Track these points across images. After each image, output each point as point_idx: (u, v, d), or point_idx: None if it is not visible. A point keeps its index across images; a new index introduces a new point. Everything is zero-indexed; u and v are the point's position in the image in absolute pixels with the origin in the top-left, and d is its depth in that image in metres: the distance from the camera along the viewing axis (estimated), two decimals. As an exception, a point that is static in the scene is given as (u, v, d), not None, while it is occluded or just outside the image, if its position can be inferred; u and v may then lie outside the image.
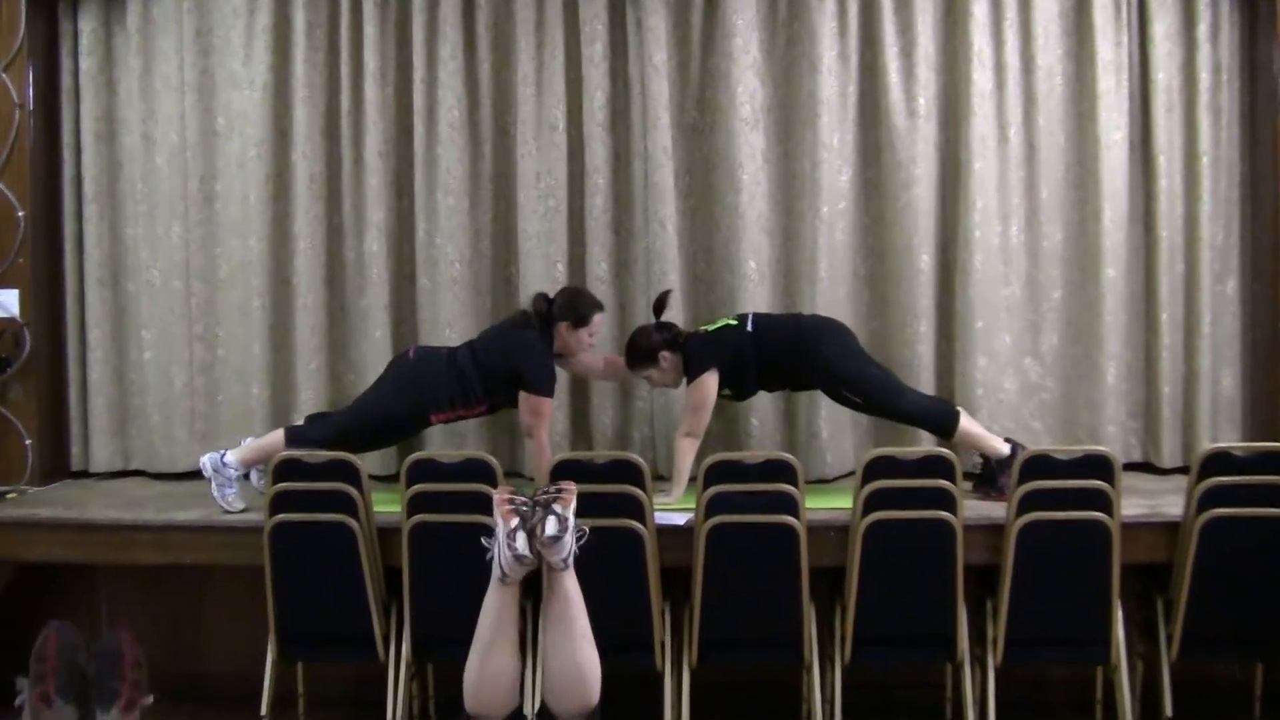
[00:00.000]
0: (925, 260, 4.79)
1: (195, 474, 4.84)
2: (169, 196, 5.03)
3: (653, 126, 4.79)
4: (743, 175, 4.78)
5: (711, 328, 4.42)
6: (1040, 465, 3.83)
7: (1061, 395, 4.88)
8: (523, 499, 3.30)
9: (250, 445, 4.38)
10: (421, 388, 4.34)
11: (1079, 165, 4.83)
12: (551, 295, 4.44)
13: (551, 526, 3.21)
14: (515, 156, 4.94)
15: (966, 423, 4.31)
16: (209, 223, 5.05)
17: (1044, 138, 4.80)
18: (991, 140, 4.78)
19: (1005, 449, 4.26)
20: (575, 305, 4.42)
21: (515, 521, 3.23)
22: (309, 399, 4.99)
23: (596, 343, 4.54)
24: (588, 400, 4.98)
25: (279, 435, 4.35)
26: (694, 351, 4.33)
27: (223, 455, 4.30)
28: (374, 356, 4.94)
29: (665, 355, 4.36)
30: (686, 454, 4.30)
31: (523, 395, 4.28)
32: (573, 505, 3.28)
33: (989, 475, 4.30)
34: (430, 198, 4.96)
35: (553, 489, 3.34)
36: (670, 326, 4.44)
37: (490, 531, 3.29)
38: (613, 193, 4.93)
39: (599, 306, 4.47)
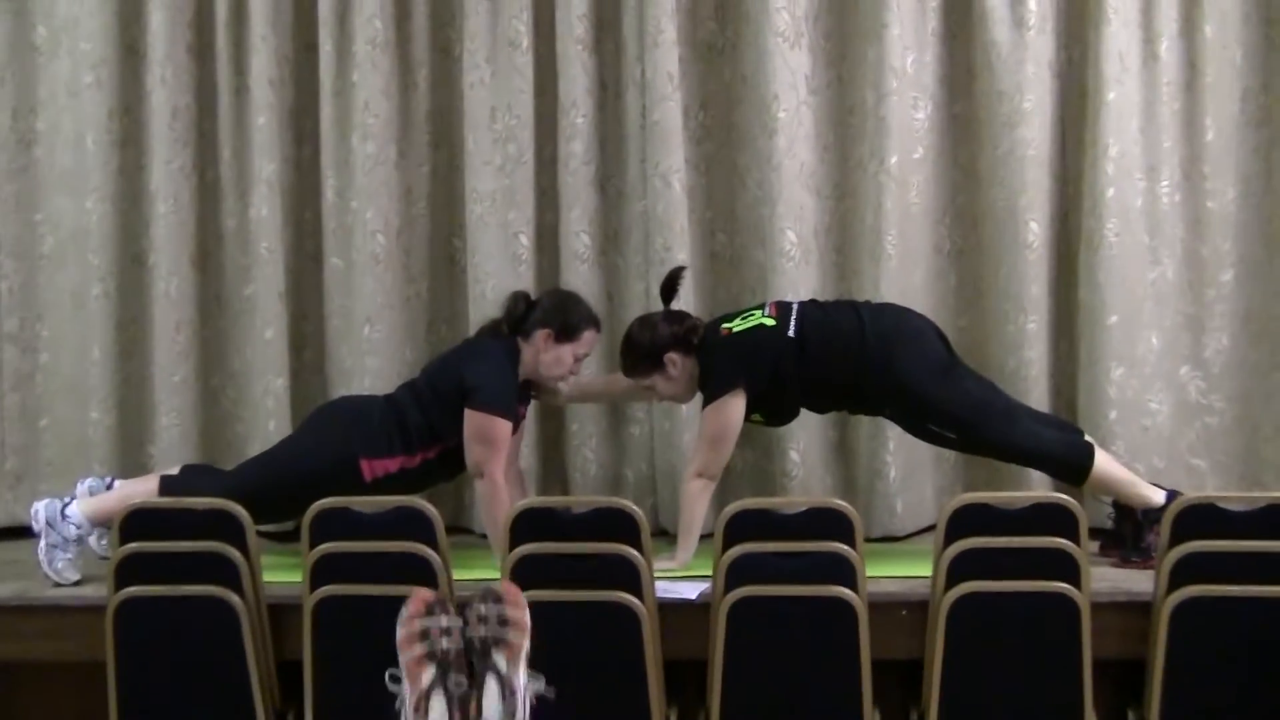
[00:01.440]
0: (1036, 230, 4.79)
1: (2, 533, 4.85)
2: (-35, 137, 5.06)
3: (653, 44, 4.81)
4: (779, 111, 4.79)
5: (740, 326, 4.40)
6: (1204, 518, 3.77)
7: (1235, 420, 4.89)
8: (443, 627, 3.09)
9: (106, 496, 4.36)
10: (348, 428, 4.41)
11: (1264, 92, 4.84)
12: (535, 297, 4.53)
13: (492, 701, 2.99)
14: (461, 86, 4.96)
15: (1104, 463, 4.29)
16: (26, 175, 5.07)
17: (1212, 53, 4.80)
18: (1134, 58, 4.77)
19: (1159, 498, 4.23)
20: (565, 310, 4.47)
21: (429, 676, 3.04)
22: (171, 424, 4.99)
23: (581, 370, 4.60)
24: (563, 426, 4.99)
25: (150, 485, 4.34)
26: (715, 364, 4.33)
27: (64, 505, 4.28)
28: (263, 365, 4.96)
29: (674, 358, 4.37)
30: (699, 501, 4.30)
31: (467, 415, 4.29)
32: (525, 651, 3.08)
33: (1129, 532, 4.28)
34: (343, 144, 4.98)
35: (488, 606, 3.12)
36: (683, 317, 4.45)
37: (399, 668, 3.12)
38: (597, 136, 4.96)
39: (595, 322, 4.53)
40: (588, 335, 4.47)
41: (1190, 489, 4.41)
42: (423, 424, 4.38)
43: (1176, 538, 3.76)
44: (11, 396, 5.08)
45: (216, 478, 4.45)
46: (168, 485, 4.33)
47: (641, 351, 4.40)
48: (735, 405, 4.28)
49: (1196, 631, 3.71)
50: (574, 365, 4.48)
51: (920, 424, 4.36)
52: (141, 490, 4.31)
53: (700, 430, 4.35)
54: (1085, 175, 4.81)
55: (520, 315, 4.45)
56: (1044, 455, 4.35)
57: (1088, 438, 4.40)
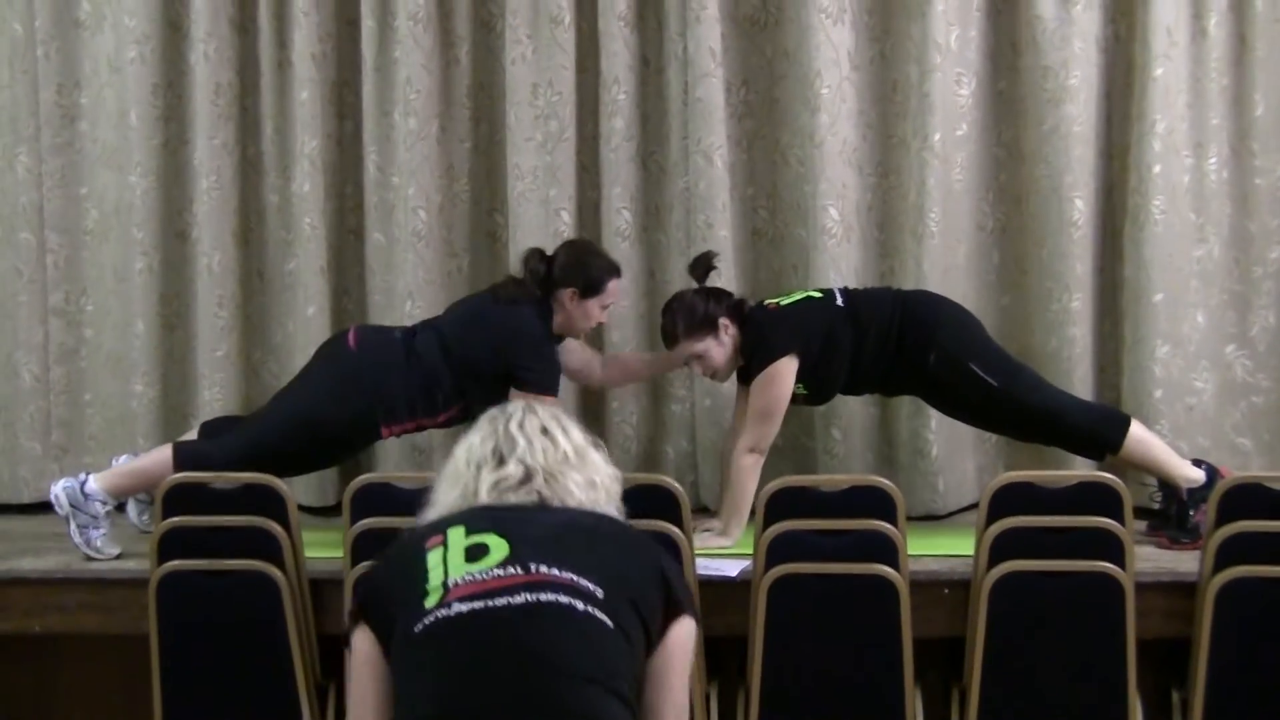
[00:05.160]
0: (1080, 208, 4.75)
1: (48, 505, 4.85)
2: (11, 112, 5.07)
3: (695, 20, 4.79)
4: (822, 87, 4.76)
5: (787, 301, 4.42)
6: (1250, 499, 3.77)
7: (1283, 399, 4.85)
8: None
9: (122, 468, 4.37)
10: (368, 387, 4.32)
11: (1317, 65, 4.78)
12: (550, 252, 4.45)
13: None
14: (503, 62, 4.95)
15: (1140, 434, 4.28)
16: (71, 150, 5.08)
17: (1263, 27, 4.75)
18: (1182, 34, 4.72)
19: (1198, 474, 4.22)
20: (584, 266, 4.42)
21: None
22: (214, 399, 5.00)
23: (609, 319, 4.58)
24: (604, 403, 4.99)
25: (163, 454, 4.31)
26: (763, 331, 4.32)
27: (83, 482, 4.25)
28: (305, 340, 4.95)
29: (727, 323, 4.35)
30: (750, 477, 4.28)
31: (515, 395, 4.25)
32: None
33: (1176, 512, 4.26)
34: (384, 120, 4.97)
35: None
36: (724, 294, 4.45)
37: None
38: (639, 112, 4.95)
39: (616, 270, 4.49)
40: (612, 286, 4.43)
41: (1235, 469, 4.37)
42: (451, 391, 4.34)
43: (1223, 518, 3.74)
44: (56, 370, 5.10)
45: (228, 433, 4.38)
46: (181, 451, 4.28)
47: (699, 315, 4.34)
48: (786, 374, 4.26)
49: (1242, 612, 3.70)
50: (601, 315, 4.46)
51: (963, 364, 4.30)
52: (153, 460, 4.29)
53: (753, 402, 4.33)
54: (1131, 152, 4.77)
55: (544, 275, 4.38)
56: (1079, 415, 4.34)
57: (1127, 414, 4.42)
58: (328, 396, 4.33)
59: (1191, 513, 4.17)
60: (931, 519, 4.75)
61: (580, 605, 2.23)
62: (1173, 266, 4.73)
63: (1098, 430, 4.32)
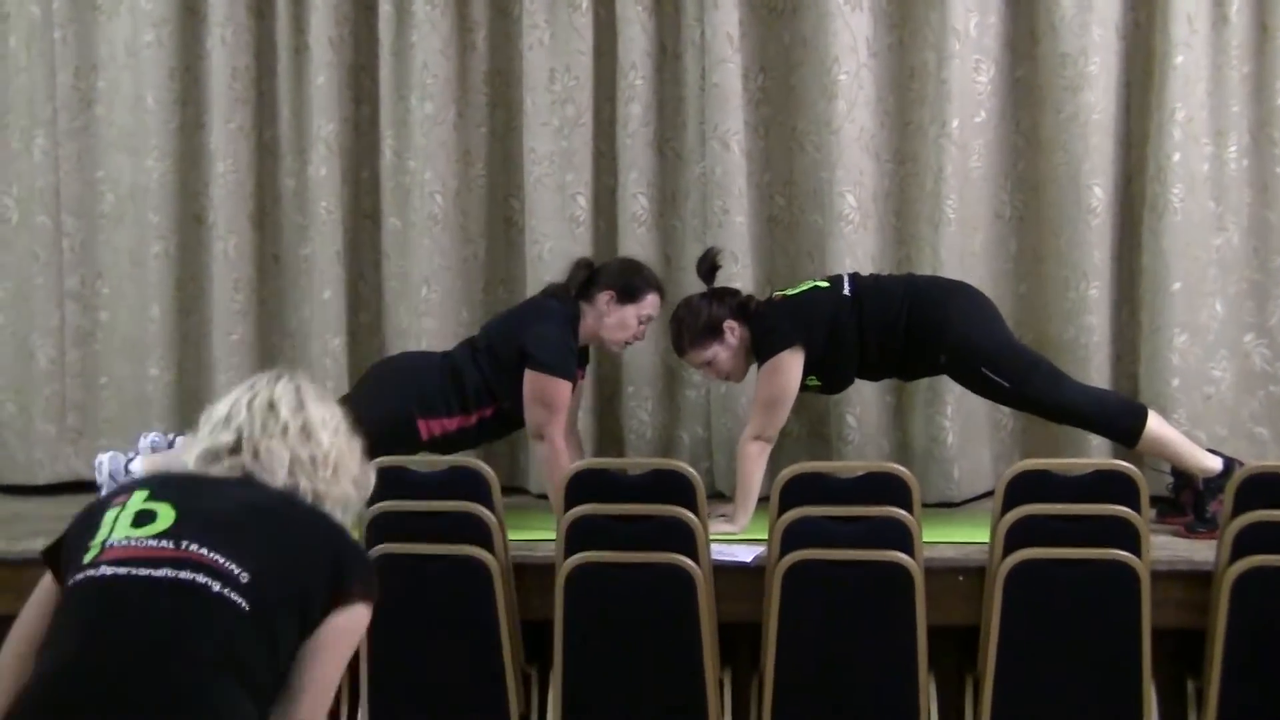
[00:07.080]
0: (1099, 195, 4.75)
1: (63, 487, 4.93)
2: (28, 95, 5.09)
3: (713, 6, 4.80)
4: (839, 74, 4.76)
5: (794, 291, 4.42)
6: (1267, 488, 3.75)
7: (1303, 389, 4.83)
8: None
9: (169, 454, 4.40)
10: (404, 386, 4.41)
11: (1340, 52, 4.75)
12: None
13: None
14: (520, 47, 4.96)
15: (1157, 425, 4.25)
16: (87, 134, 5.10)
17: (1284, 15, 4.73)
18: (1203, 20, 4.71)
19: (1215, 464, 4.20)
20: (628, 273, 4.48)
21: None
22: (229, 383, 4.89)
23: (644, 335, 4.56)
24: (619, 387, 4.99)
25: None
26: (769, 323, 4.32)
27: (129, 460, 4.34)
28: (321, 324, 5.00)
29: (732, 325, 4.35)
30: (756, 464, 4.30)
31: (527, 376, 4.29)
32: None
33: (1189, 501, 4.25)
34: (401, 104, 4.99)
35: None
36: (734, 291, 4.45)
37: None
38: (656, 98, 4.95)
39: (658, 286, 4.51)
40: (650, 298, 4.45)
41: (1253, 458, 4.37)
42: (480, 385, 4.38)
43: (1240, 507, 3.73)
44: (72, 353, 5.13)
45: None
46: None
47: (701, 322, 4.36)
48: (792, 365, 4.26)
49: (1258, 602, 3.68)
50: (638, 329, 4.46)
51: (974, 368, 4.31)
52: None
53: (757, 392, 4.35)
54: (1150, 140, 4.76)
55: (583, 280, 4.45)
56: (1092, 411, 4.33)
57: (1144, 404, 4.39)
58: (366, 397, 4.39)
59: (1208, 502, 4.16)
60: (946, 506, 4.75)
61: (216, 586, 2.21)
62: (1191, 255, 4.71)
63: (1114, 423, 4.32)
